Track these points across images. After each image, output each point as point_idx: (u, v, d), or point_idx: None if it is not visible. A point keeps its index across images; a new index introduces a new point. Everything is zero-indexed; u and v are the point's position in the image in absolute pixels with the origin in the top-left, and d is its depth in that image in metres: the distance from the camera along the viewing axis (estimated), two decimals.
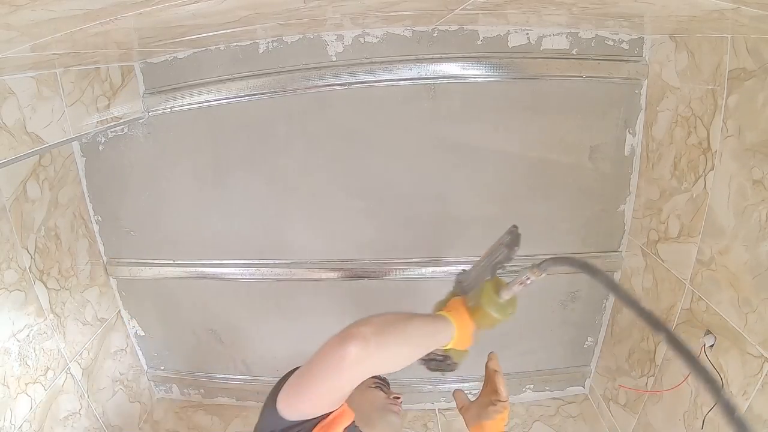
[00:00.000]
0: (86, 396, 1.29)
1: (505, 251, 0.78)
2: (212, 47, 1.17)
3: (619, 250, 1.30)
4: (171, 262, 1.42)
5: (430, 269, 1.35)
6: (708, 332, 0.92)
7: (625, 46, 1.12)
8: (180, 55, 1.19)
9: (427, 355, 0.77)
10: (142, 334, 1.55)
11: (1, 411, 1.00)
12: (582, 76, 1.13)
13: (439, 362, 0.79)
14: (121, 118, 1.16)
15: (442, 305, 0.82)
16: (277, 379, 0.70)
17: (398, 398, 0.87)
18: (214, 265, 1.41)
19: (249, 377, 1.60)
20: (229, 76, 1.19)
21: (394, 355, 0.66)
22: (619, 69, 1.12)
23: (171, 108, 1.23)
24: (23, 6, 0.39)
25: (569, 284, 1.37)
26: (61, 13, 0.45)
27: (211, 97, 1.20)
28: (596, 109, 1.17)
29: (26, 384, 1.08)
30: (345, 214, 1.32)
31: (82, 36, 0.62)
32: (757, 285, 0.81)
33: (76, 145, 1.28)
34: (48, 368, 1.15)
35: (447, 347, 0.75)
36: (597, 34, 1.11)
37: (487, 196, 1.27)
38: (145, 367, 1.61)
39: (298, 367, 0.68)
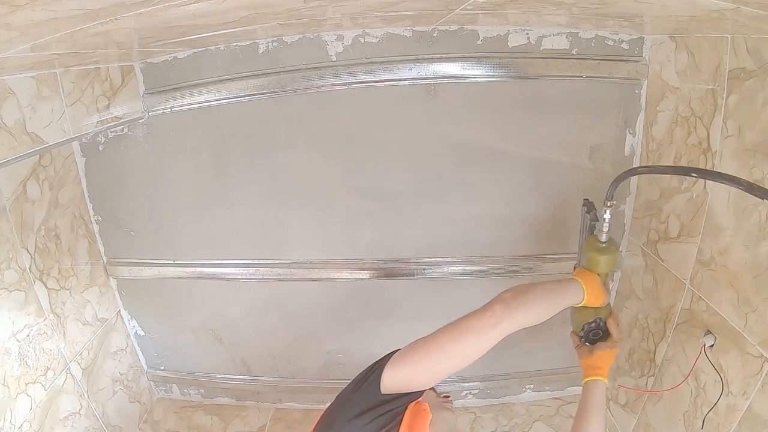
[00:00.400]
0: (86, 396, 1.29)
1: (588, 216, 1.00)
2: (212, 47, 1.17)
3: (619, 250, 1.30)
4: (171, 262, 1.42)
5: (431, 269, 1.35)
6: (708, 332, 0.92)
7: (625, 46, 1.12)
8: (180, 55, 1.19)
9: (582, 330, 0.98)
10: (142, 334, 1.55)
11: (1, 411, 1.00)
12: (582, 76, 1.13)
13: (594, 328, 0.98)
14: (121, 118, 1.16)
15: None
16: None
17: (448, 397, 0.91)
18: (214, 265, 1.41)
19: (249, 377, 1.60)
20: (229, 76, 1.19)
21: (533, 309, 0.80)
22: (619, 69, 1.12)
23: (171, 108, 1.23)
24: (23, 6, 0.39)
25: None
26: (61, 13, 0.45)
27: (211, 97, 1.20)
28: (596, 109, 1.17)
29: (26, 384, 1.08)
30: (344, 214, 1.32)
31: (82, 36, 0.62)
32: (757, 285, 0.81)
33: (76, 145, 1.28)
34: (48, 368, 1.15)
35: (585, 302, 0.90)
36: (597, 34, 1.11)
37: (487, 196, 1.27)
38: (145, 367, 1.61)
39: (396, 350, 0.76)
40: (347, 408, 0.71)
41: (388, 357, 0.75)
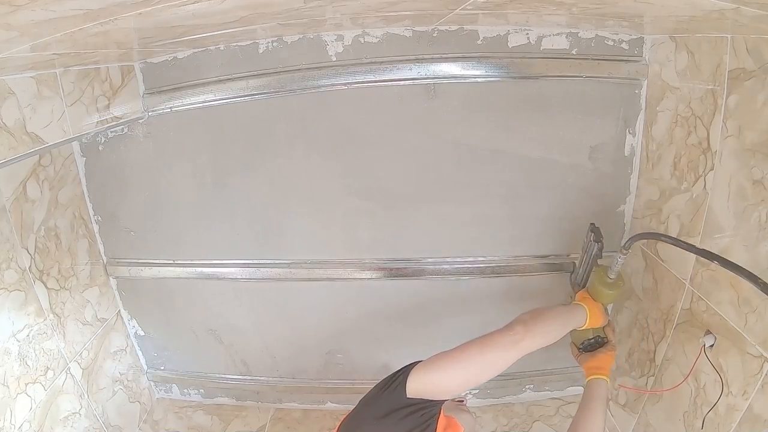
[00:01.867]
0: (86, 396, 1.29)
1: (596, 245, 1.05)
2: (212, 47, 1.17)
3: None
4: (171, 262, 1.42)
5: (431, 269, 1.35)
6: (708, 332, 0.92)
7: (625, 46, 1.12)
8: (180, 55, 1.19)
9: (582, 344, 1.10)
10: (142, 334, 1.55)
11: (1, 411, 1.00)
12: (582, 76, 1.13)
13: (593, 343, 1.09)
14: (121, 118, 1.16)
15: (572, 300, 1.10)
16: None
17: (462, 401, 0.96)
18: (214, 265, 1.41)
19: (249, 377, 1.60)
20: (229, 76, 1.19)
21: (547, 330, 0.89)
22: (619, 69, 1.12)
23: (171, 108, 1.23)
24: (23, 6, 0.39)
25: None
26: (61, 13, 0.45)
27: (211, 97, 1.20)
28: (596, 109, 1.17)
29: (26, 384, 1.08)
30: (344, 214, 1.32)
31: (82, 36, 0.62)
32: None
33: (76, 145, 1.28)
34: (48, 368, 1.15)
35: (585, 327, 1.01)
36: (597, 34, 1.11)
37: (487, 196, 1.27)
38: (145, 367, 1.61)
39: (418, 361, 0.80)
40: (374, 409, 0.75)
41: (413, 364, 0.79)
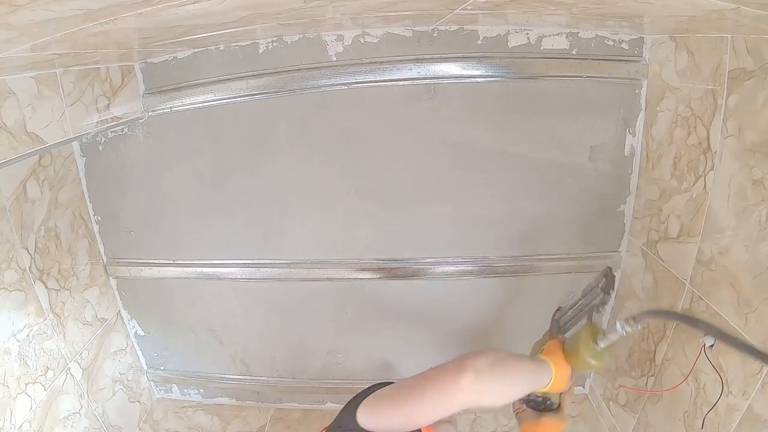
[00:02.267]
0: (86, 396, 1.29)
1: (601, 295, 0.83)
2: (212, 47, 1.17)
3: (619, 250, 1.30)
4: (171, 262, 1.42)
5: (430, 269, 1.35)
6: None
7: (625, 46, 1.12)
8: (180, 55, 1.19)
9: (527, 396, 0.85)
10: (142, 334, 1.55)
11: (1, 411, 1.00)
12: (582, 76, 1.13)
13: (538, 402, 0.86)
14: (121, 118, 1.16)
15: (540, 346, 0.86)
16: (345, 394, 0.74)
17: None
18: (214, 265, 1.41)
19: (248, 377, 1.60)
20: (229, 76, 1.19)
21: (499, 393, 0.69)
22: (619, 69, 1.12)
23: (171, 108, 1.23)
24: (23, 6, 0.39)
25: (570, 283, 1.37)
26: (61, 13, 0.45)
27: (211, 97, 1.20)
28: (596, 109, 1.17)
29: (26, 384, 1.08)
30: (344, 214, 1.32)
31: (82, 36, 0.62)
32: (757, 285, 0.80)
33: (76, 145, 1.28)
34: (48, 368, 1.15)
35: (544, 390, 0.79)
36: (597, 34, 1.11)
37: (487, 196, 1.27)
38: (145, 367, 1.61)
39: (388, 382, 0.71)
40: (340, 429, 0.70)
41: (366, 394, 0.71)
